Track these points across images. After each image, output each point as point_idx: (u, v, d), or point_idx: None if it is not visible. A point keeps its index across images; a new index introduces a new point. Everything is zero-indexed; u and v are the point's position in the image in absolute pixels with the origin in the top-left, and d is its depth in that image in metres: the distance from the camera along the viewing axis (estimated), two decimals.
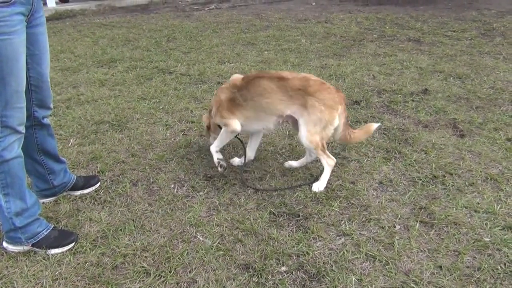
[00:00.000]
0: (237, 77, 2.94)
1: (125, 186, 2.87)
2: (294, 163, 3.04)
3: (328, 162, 2.78)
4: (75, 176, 2.83)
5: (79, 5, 9.16)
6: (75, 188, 2.81)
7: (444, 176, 2.82)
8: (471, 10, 7.96)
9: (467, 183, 2.75)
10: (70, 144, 3.45)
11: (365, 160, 3.06)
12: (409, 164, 2.98)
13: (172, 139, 3.49)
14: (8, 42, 2.04)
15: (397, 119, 3.65)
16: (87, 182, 2.86)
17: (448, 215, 2.45)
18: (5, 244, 2.35)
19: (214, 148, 2.94)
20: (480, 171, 2.86)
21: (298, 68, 4.97)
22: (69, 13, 8.19)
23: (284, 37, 6.41)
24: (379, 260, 2.16)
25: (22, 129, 2.23)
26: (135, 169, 3.06)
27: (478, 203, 2.55)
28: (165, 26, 7.41)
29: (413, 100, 4.00)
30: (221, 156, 2.95)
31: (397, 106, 3.90)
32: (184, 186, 2.87)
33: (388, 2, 9.05)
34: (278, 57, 5.45)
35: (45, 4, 8.25)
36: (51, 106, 2.54)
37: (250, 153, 3.08)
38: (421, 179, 2.81)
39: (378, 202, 2.60)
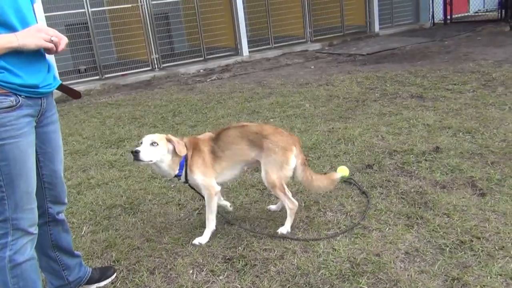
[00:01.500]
0: (209, 133, 3.19)
1: (142, 275, 2.77)
2: (272, 207, 3.38)
3: (289, 206, 3.00)
4: (91, 269, 2.75)
5: (84, 86, 9.40)
6: (90, 281, 2.72)
7: (472, 241, 2.72)
8: (468, 61, 8.10)
9: (496, 247, 2.64)
10: (83, 233, 3.38)
11: (387, 229, 2.96)
12: (433, 230, 2.89)
13: (187, 219, 3.43)
14: (15, 145, 2.03)
15: (413, 182, 3.59)
16: (103, 274, 2.77)
17: (484, 285, 2.32)
18: None
19: (212, 226, 3.08)
20: (508, 233, 2.76)
21: (305, 134, 4.98)
22: (66, 95, 8.35)
23: (287, 103, 6.49)
24: None
25: (34, 230, 2.18)
26: (151, 255, 2.98)
27: None
28: (169, 100, 7.54)
29: (426, 160, 3.95)
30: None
31: (410, 167, 3.85)
32: (203, 270, 2.77)
33: (385, 60, 9.26)
34: (284, 124, 5.48)
35: None
36: (66, 201, 2.51)
37: (225, 202, 3.38)
38: (448, 246, 2.70)
39: (408, 275, 2.49)
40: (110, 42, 10.86)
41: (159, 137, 2.90)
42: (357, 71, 8.39)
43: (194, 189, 3.13)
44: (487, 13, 14.71)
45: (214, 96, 7.52)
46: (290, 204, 3.00)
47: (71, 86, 2.42)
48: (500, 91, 5.93)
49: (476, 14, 15.50)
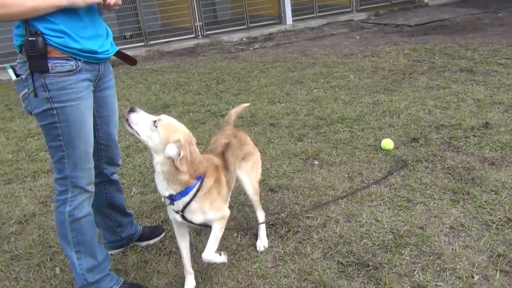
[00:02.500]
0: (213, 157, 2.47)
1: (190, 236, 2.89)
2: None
3: (262, 214, 2.77)
4: (141, 227, 2.89)
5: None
6: (141, 239, 2.87)
7: None
8: None
9: None
10: (132, 193, 3.54)
11: (432, 203, 2.95)
12: (480, 206, 2.85)
13: None
14: (75, 107, 2.14)
15: (461, 157, 3.52)
16: (152, 232, 2.92)
17: None
18: None
19: (213, 251, 2.30)
20: None
21: (350, 106, 4.94)
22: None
23: (331, 74, 6.42)
24: None
25: (91, 188, 2.31)
26: None
27: None
28: (213, 68, 7.60)
29: (474, 135, 3.86)
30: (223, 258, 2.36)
31: (458, 142, 3.78)
32: (247, 234, 2.86)
33: (434, 31, 8.94)
34: (328, 95, 5.44)
35: None
36: (119, 163, 2.63)
37: None
38: (494, 223, 2.67)
39: (452, 249, 2.49)
40: (155, 9, 10.96)
41: (170, 127, 2.16)
42: (404, 42, 8.15)
43: (186, 220, 2.27)
44: None
45: (257, 65, 7.51)
46: (262, 213, 2.77)
47: (127, 53, 2.48)
48: None
49: None
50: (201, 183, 2.20)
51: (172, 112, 5.41)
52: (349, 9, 12.17)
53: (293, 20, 11.32)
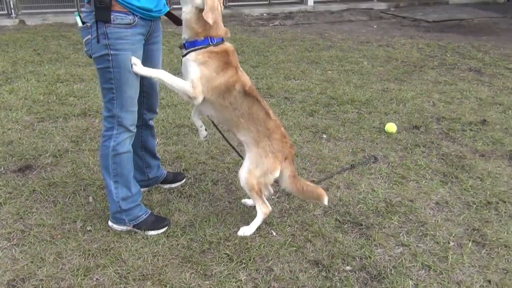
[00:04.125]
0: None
1: (207, 184, 3.28)
2: (248, 201, 3.02)
3: (262, 209, 2.74)
4: (166, 172, 3.27)
5: None
6: (165, 182, 3.25)
7: (498, 203, 3.06)
8: None
9: None
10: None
11: (423, 182, 3.34)
12: (465, 189, 3.24)
13: None
14: (127, 56, 2.49)
15: (455, 146, 3.89)
16: (175, 177, 3.30)
17: (499, 238, 2.70)
18: (110, 223, 2.80)
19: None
20: None
21: (360, 90, 5.28)
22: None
23: (346, 58, 6.72)
24: (433, 270, 2.45)
25: (133, 128, 2.68)
26: (215, 170, 3.48)
27: None
28: (233, 39, 7.88)
29: (471, 130, 4.22)
30: None
31: (455, 134, 4.14)
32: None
33: (450, 30, 9.18)
34: (341, 77, 5.77)
35: None
36: (157, 110, 3.00)
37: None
38: (475, 204, 3.06)
39: (434, 220, 2.88)
40: None
41: None
42: (419, 37, 8.42)
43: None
44: None
45: (276, 41, 7.80)
46: (264, 208, 2.75)
47: (176, 14, 2.81)
48: None
49: None
50: (208, 45, 2.55)
51: None
52: None
53: (314, 2, 11.50)
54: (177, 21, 2.84)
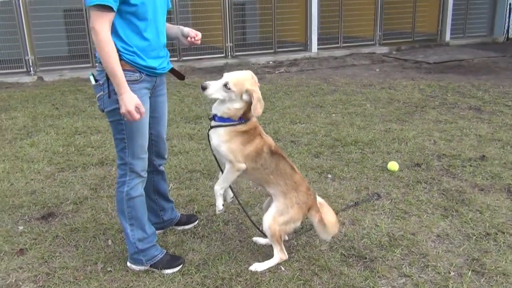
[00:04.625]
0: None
1: (219, 225, 3.47)
2: (259, 240, 3.21)
3: (280, 255, 2.92)
4: (180, 214, 3.48)
5: None
6: (179, 223, 3.45)
7: (497, 234, 3.20)
8: None
9: None
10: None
11: (425, 216, 3.49)
12: (465, 222, 3.39)
13: (255, 188, 4.09)
14: None
15: (455, 182, 4.06)
16: (188, 219, 3.49)
17: (498, 267, 2.83)
18: (129, 264, 2.98)
19: (220, 187, 2.91)
20: None
21: (363, 131, 5.51)
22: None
23: (350, 101, 7.00)
24: None
25: (144, 174, 2.91)
26: (226, 211, 3.67)
27: None
28: None
29: (471, 165, 4.39)
30: None
31: (455, 170, 4.31)
32: None
33: (450, 70, 9.49)
34: (345, 120, 6.02)
35: None
36: (166, 156, 3.24)
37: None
38: (475, 235, 3.20)
39: (436, 251, 3.02)
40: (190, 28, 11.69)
41: (238, 82, 2.70)
42: (420, 78, 8.72)
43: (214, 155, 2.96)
44: None
45: (282, 88, 8.14)
46: (282, 255, 2.93)
47: (178, 70, 3.10)
48: None
49: None
50: (239, 124, 2.78)
51: (203, 123, 6.04)
52: (372, 42, 12.78)
53: (318, 49, 11.97)
54: (180, 76, 3.12)
